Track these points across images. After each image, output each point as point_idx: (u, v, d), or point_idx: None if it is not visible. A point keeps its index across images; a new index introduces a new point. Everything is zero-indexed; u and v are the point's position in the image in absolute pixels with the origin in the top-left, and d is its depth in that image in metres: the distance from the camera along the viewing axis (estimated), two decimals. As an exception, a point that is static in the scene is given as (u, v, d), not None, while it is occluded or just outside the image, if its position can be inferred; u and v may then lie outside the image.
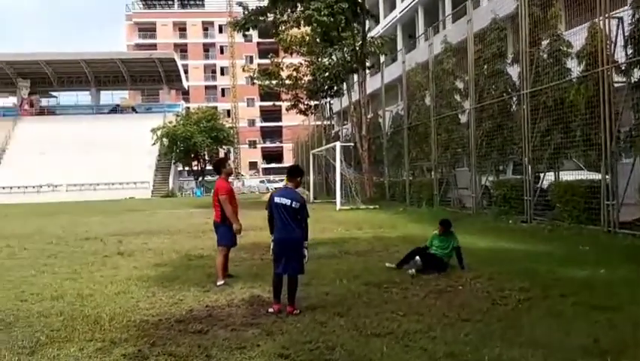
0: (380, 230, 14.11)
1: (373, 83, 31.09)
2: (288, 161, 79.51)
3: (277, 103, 47.87)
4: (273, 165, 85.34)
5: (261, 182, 63.37)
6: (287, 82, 34.43)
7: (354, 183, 24.46)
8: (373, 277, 7.71)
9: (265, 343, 4.86)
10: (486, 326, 5.23)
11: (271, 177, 69.86)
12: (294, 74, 33.95)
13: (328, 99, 37.73)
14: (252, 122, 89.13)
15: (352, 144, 26.50)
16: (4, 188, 54.22)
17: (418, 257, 8.15)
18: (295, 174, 6.40)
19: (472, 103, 16.91)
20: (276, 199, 6.09)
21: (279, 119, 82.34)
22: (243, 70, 38.11)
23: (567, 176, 13.11)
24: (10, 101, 68.21)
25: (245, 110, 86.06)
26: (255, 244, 11.89)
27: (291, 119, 58.53)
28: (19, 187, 54.11)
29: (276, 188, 53.29)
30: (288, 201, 6.02)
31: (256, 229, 15.12)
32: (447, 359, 4.37)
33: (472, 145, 16.90)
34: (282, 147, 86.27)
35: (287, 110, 41.26)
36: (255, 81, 36.06)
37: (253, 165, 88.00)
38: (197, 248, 11.51)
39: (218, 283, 7.40)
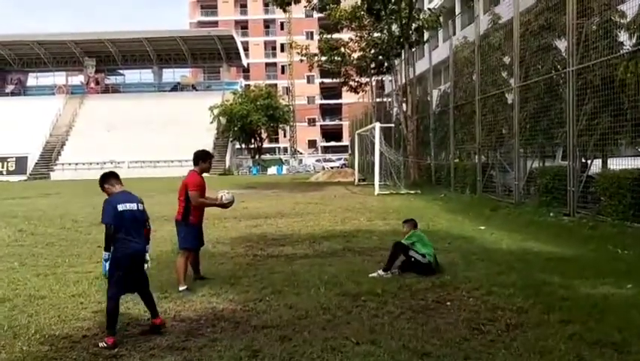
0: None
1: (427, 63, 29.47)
2: (347, 140, 78.60)
3: (332, 80, 46.67)
4: (332, 143, 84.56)
5: (317, 161, 62.79)
6: (336, 58, 33.31)
7: (396, 166, 23.30)
8: (356, 285, 6.81)
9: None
10: (444, 367, 4.27)
11: (327, 156, 69.17)
12: (342, 50, 32.76)
13: (380, 77, 36.33)
14: (311, 100, 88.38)
15: (393, 125, 25.24)
16: (70, 164, 56.41)
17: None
18: (106, 179, 5.36)
19: (517, 81, 15.39)
20: (120, 207, 5.05)
21: (339, 96, 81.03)
22: (290, 47, 37.22)
23: (621, 164, 11.55)
24: (78, 79, 70.48)
25: (304, 87, 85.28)
26: (261, 236, 11.19)
27: (351, 97, 57.39)
28: (83, 163, 56.00)
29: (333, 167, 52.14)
30: (134, 206, 5.18)
31: (274, 217, 14.50)
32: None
33: (516, 128, 15.43)
34: (341, 125, 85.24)
35: (339, 86, 40.21)
36: (302, 58, 35.11)
37: (312, 144, 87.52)
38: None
39: (180, 289, 6.72)
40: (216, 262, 8.57)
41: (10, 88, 68.06)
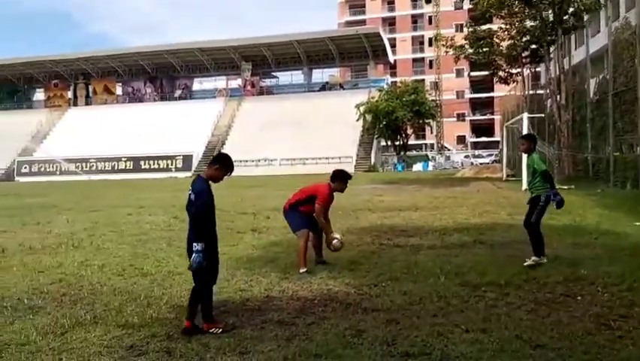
0: (550, 215, 12.17)
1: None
2: (498, 135, 75.21)
3: (481, 73, 44.96)
4: (483, 138, 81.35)
5: (465, 157, 60.81)
6: (483, 49, 31.94)
7: (548, 160, 21.81)
8: (479, 276, 6.51)
9: (262, 354, 4.28)
10: (558, 357, 3.94)
11: (477, 152, 66.65)
12: (490, 40, 31.30)
13: (533, 66, 34.19)
14: (460, 94, 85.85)
15: (543, 115, 23.62)
16: (228, 161, 60.49)
17: None
18: (218, 162, 5.10)
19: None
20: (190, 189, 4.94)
21: (491, 89, 77.68)
22: (435, 39, 36.44)
23: None
24: (236, 82, 75.32)
25: (453, 82, 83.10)
26: (391, 227, 11.14)
27: (503, 90, 54.70)
28: (240, 161, 59.68)
29: (481, 163, 50.18)
30: (189, 193, 4.88)
31: (408, 210, 14.34)
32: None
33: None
34: (493, 119, 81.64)
35: (490, 78, 38.64)
36: (447, 50, 34.14)
37: (461, 140, 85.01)
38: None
39: (300, 271, 6.94)
40: (343, 249, 8.68)
41: (178, 93, 74.85)
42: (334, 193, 7.44)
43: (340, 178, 7.41)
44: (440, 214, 13.05)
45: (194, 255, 4.74)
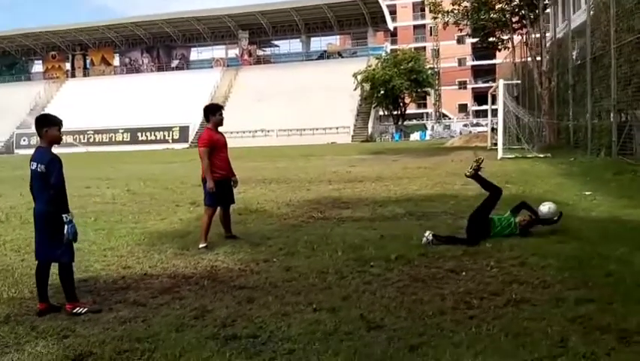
0: (504, 186, 11.87)
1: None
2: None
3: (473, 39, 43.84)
4: (485, 106, 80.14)
5: (464, 125, 59.97)
6: (471, 15, 31.03)
7: (528, 128, 21.38)
8: (378, 249, 6.28)
9: (83, 338, 4.09)
10: (386, 341, 3.71)
11: (476, 120, 65.76)
12: (475, 4, 30.40)
13: (525, 31, 33.34)
14: (462, 62, 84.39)
15: (519, 82, 23.04)
16: (225, 133, 60.16)
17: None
18: (41, 125, 4.67)
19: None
20: (31, 164, 4.66)
21: (493, 56, 76.15)
22: (428, 4, 35.38)
23: None
24: (234, 52, 74.35)
25: (455, 49, 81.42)
26: (334, 199, 10.91)
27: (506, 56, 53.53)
28: (237, 132, 59.31)
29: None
30: (34, 165, 4.60)
31: (368, 181, 14.05)
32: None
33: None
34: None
35: (482, 45, 37.72)
36: (436, 16, 33.28)
37: (463, 108, 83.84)
38: (268, 200, 10.93)
39: (200, 246, 6.74)
40: (265, 223, 8.48)
41: (175, 63, 74.12)
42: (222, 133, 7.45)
43: (209, 112, 7.25)
44: (395, 185, 12.77)
45: (67, 227, 4.54)
